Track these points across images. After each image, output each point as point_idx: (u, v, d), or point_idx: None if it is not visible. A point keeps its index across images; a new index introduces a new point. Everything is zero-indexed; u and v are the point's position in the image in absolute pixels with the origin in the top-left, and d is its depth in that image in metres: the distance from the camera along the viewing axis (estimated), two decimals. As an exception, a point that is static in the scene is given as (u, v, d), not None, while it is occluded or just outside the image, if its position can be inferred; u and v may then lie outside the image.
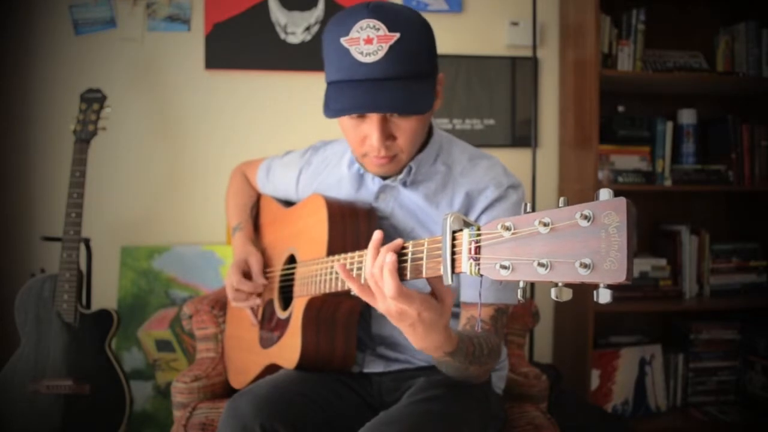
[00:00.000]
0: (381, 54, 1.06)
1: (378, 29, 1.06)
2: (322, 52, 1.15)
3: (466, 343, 1.00)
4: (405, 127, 1.14)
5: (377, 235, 0.89)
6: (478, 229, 0.71)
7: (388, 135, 1.14)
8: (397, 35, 1.07)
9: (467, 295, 1.19)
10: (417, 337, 0.92)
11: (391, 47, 1.06)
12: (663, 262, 2.37)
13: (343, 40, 1.08)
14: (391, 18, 1.08)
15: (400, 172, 1.25)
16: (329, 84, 1.14)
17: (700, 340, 2.42)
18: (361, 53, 1.07)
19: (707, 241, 2.42)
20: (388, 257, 0.84)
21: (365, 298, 0.91)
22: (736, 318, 2.46)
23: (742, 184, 2.39)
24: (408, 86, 1.08)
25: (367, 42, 1.06)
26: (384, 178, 1.28)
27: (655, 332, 2.47)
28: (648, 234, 2.53)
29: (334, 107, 1.10)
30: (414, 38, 1.09)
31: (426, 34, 1.13)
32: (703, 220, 2.51)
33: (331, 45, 1.11)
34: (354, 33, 1.07)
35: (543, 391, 1.51)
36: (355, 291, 0.91)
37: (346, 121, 1.15)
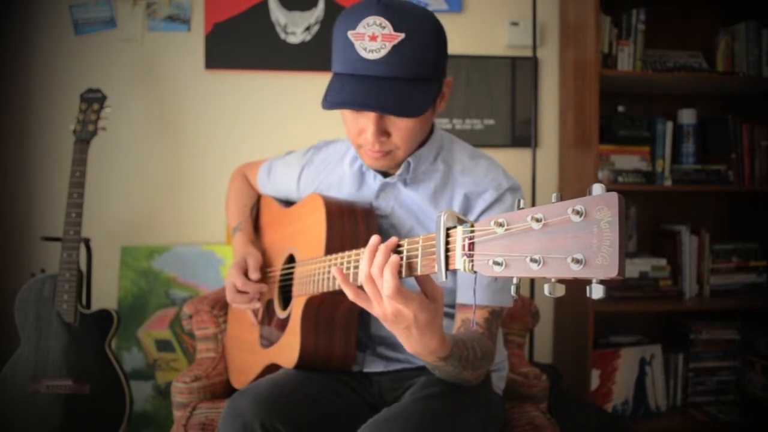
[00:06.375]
0: (383, 52, 1.06)
1: (383, 27, 1.06)
2: (332, 42, 1.15)
3: (460, 347, 1.00)
4: (401, 126, 1.15)
5: (374, 239, 0.88)
6: (472, 226, 0.71)
7: (382, 131, 1.15)
8: (402, 36, 1.06)
9: (464, 296, 1.19)
10: (412, 341, 0.91)
11: (394, 47, 1.06)
12: (663, 262, 2.37)
13: (350, 34, 1.08)
14: (398, 17, 1.08)
15: (398, 167, 1.25)
16: (333, 75, 1.15)
17: (700, 340, 2.41)
18: (365, 49, 1.07)
19: (707, 241, 2.42)
20: (393, 258, 0.83)
21: (361, 303, 0.90)
22: (736, 318, 2.45)
23: (742, 184, 2.39)
24: (406, 88, 1.08)
25: (372, 39, 1.06)
26: (384, 175, 1.28)
27: (655, 332, 2.47)
28: (648, 234, 2.53)
29: (331, 100, 1.11)
30: (419, 41, 1.09)
31: (434, 38, 1.12)
32: (703, 220, 2.50)
33: (339, 36, 1.11)
34: (360, 28, 1.07)
35: (543, 391, 1.51)
36: (351, 297, 0.90)
37: (346, 111, 1.16)
